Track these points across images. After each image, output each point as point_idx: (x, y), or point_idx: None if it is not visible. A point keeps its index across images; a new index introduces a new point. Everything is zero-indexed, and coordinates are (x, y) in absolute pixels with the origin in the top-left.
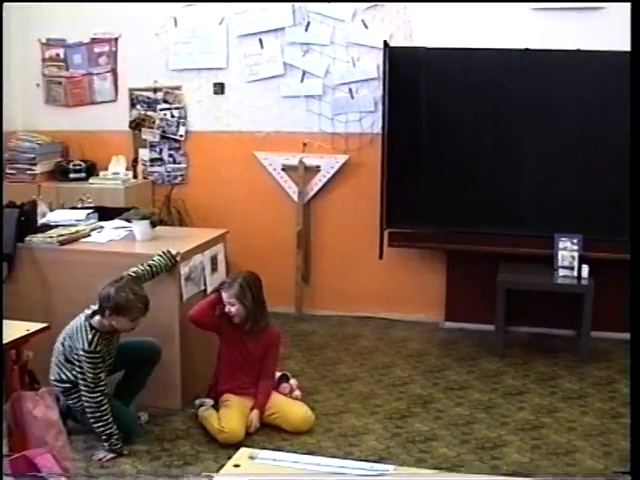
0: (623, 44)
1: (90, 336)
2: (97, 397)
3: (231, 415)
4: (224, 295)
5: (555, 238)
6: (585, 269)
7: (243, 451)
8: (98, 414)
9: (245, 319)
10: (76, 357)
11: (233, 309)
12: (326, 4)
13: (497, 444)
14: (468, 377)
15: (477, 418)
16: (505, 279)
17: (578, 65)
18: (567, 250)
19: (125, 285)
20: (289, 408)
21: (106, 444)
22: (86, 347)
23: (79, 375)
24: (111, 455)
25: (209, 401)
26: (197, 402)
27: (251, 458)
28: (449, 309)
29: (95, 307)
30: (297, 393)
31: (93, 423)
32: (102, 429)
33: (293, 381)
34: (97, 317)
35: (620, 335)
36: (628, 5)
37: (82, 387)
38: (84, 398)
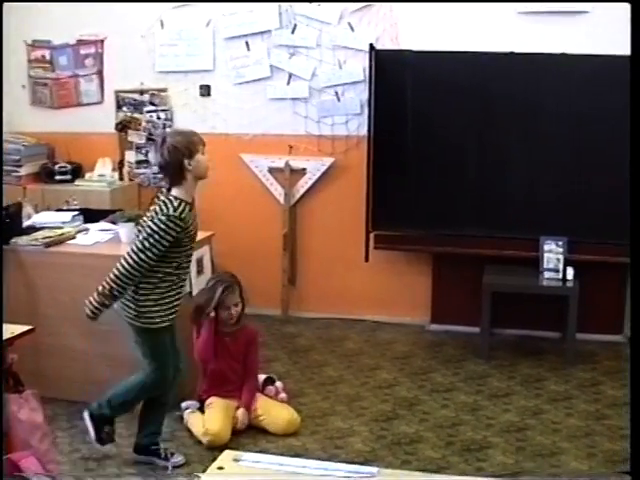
0: (608, 47)
1: (176, 204)
2: (139, 262)
3: (216, 418)
4: (230, 299)
5: (540, 240)
6: (570, 271)
7: (227, 453)
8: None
9: (239, 317)
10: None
11: (236, 310)
12: (313, 6)
13: (482, 446)
14: (454, 379)
15: (462, 420)
16: (491, 281)
17: (563, 68)
18: (552, 252)
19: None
20: (275, 410)
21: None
22: (171, 212)
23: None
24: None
25: (194, 404)
26: (183, 405)
27: (235, 460)
28: (435, 311)
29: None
30: (283, 395)
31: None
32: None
33: (279, 383)
34: (175, 187)
35: (605, 337)
36: (612, 9)
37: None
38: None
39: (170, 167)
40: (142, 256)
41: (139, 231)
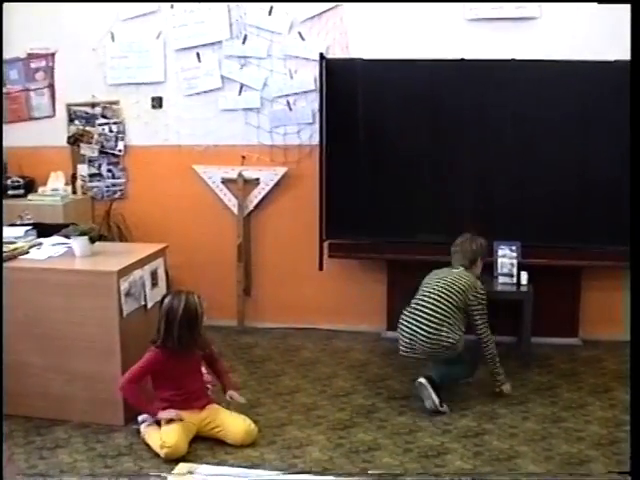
0: (556, 53)
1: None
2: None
3: (173, 430)
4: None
5: (494, 245)
6: (524, 276)
7: (182, 466)
8: (493, 350)
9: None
10: (474, 299)
11: None
12: (264, 17)
13: (440, 452)
14: (410, 386)
15: (420, 426)
16: None
17: (513, 74)
18: (506, 257)
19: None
20: (231, 421)
21: (499, 377)
22: (480, 286)
23: (477, 317)
24: (507, 385)
25: (150, 417)
26: (140, 418)
27: (190, 473)
28: (391, 319)
29: (463, 266)
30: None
31: (490, 360)
32: (496, 364)
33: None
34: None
35: (560, 340)
36: (562, 15)
37: (482, 325)
38: (484, 334)
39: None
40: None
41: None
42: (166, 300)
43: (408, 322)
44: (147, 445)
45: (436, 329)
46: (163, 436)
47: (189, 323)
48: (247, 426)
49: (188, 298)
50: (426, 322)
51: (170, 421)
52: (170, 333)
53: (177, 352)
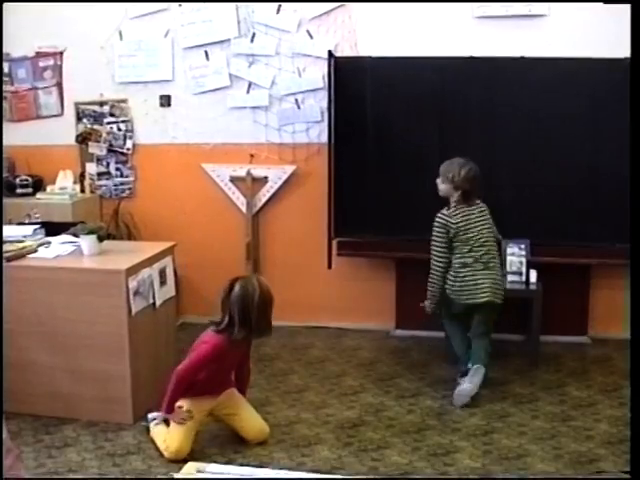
0: (566, 50)
1: None
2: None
3: (177, 434)
4: None
5: (503, 244)
6: (533, 274)
7: (190, 465)
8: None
9: None
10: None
11: None
12: (272, 15)
13: (449, 450)
14: (419, 384)
15: (429, 425)
16: None
17: (522, 72)
18: (515, 255)
19: None
20: (249, 415)
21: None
22: None
23: None
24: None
25: (160, 415)
26: (150, 416)
27: (198, 472)
28: (399, 317)
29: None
30: None
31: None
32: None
33: None
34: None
35: (569, 338)
36: (571, 13)
37: None
38: None
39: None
40: None
41: None
42: (237, 287)
43: (477, 270)
44: (155, 443)
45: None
46: (167, 439)
47: (265, 307)
48: (262, 425)
49: (260, 282)
50: (494, 263)
51: (180, 420)
52: (247, 320)
53: (240, 339)
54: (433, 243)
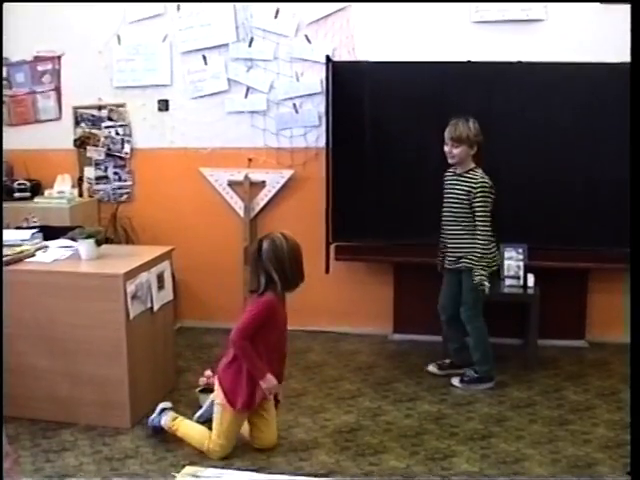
0: (563, 55)
1: None
2: None
3: (232, 424)
4: None
5: (500, 248)
6: (531, 278)
7: (187, 469)
8: None
9: None
10: None
11: None
12: (270, 19)
13: (446, 454)
14: (417, 389)
15: (426, 429)
16: None
17: (520, 76)
18: (513, 260)
19: None
20: (270, 421)
21: None
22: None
23: None
24: None
25: (169, 404)
26: (159, 407)
27: (195, 477)
28: (397, 321)
29: None
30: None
31: None
32: None
33: (208, 372)
34: None
35: (567, 342)
36: (567, 17)
37: None
38: None
39: None
40: None
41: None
42: (265, 245)
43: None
44: (153, 448)
45: None
46: (219, 430)
47: (297, 258)
48: (274, 438)
49: (285, 235)
50: None
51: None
52: (284, 274)
53: (282, 294)
54: (486, 208)
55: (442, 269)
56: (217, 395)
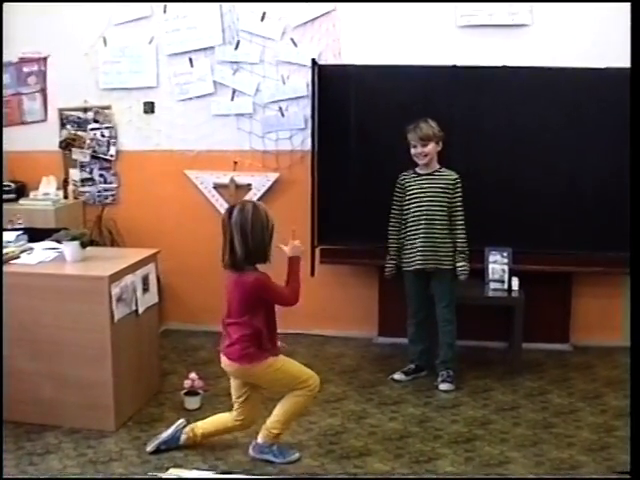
0: (548, 60)
1: None
2: None
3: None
4: None
5: (485, 252)
6: (515, 282)
7: (171, 471)
8: None
9: None
10: None
11: None
12: (256, 22)
13: (431, 457)
14: (401, 392)
15: (411, 432)
16: None
17: (505, 80)
18: (497, 263)
19: None
20: (258, 404)
21: None
22: None
23: None
24: None
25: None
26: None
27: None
28: (382, 324)
29: None
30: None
31: None
32: None
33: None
34: None
35: (551, 346)
36: (553, 22)
37: None
38: None
39: None
40: None
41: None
42: (234, 212)
43: None
44: (138, 450)
45: None
46: (300, 374)
47: (262, 230)
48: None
49: (256, 204)
50: None
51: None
52: (245, 244)
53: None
54: (461, 201)
55: (391, 274)
56: (261, 370)
